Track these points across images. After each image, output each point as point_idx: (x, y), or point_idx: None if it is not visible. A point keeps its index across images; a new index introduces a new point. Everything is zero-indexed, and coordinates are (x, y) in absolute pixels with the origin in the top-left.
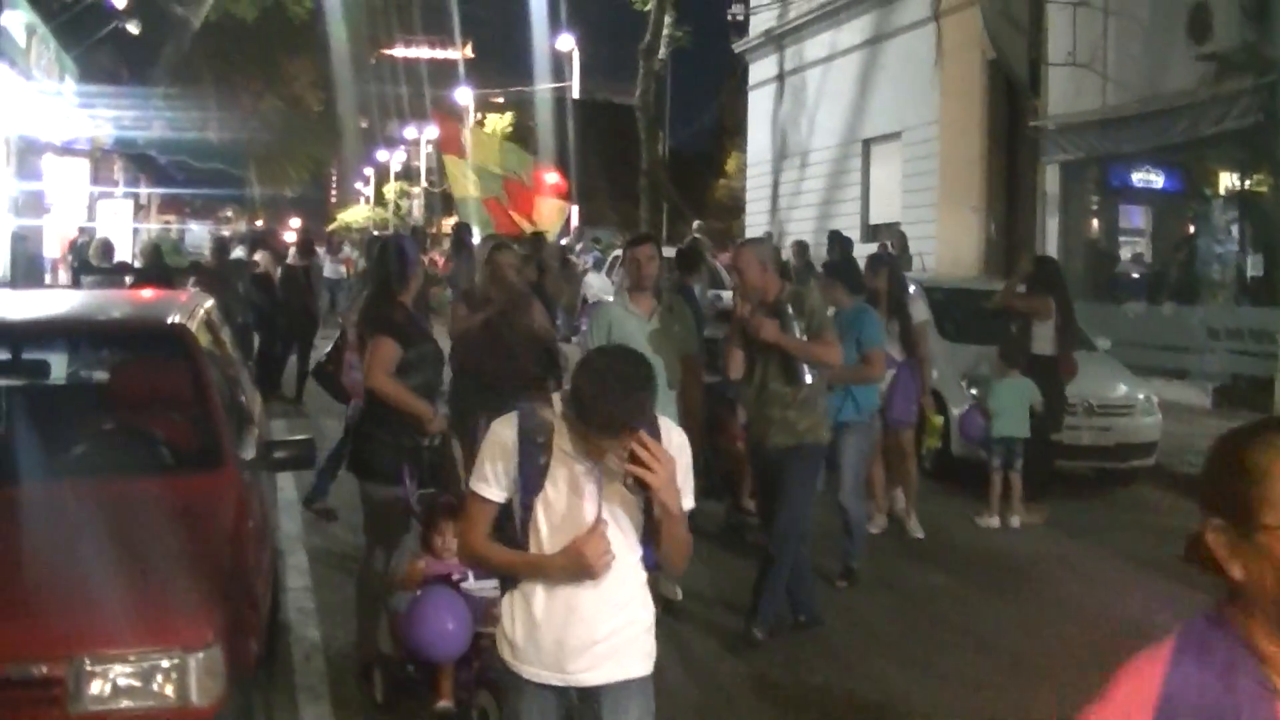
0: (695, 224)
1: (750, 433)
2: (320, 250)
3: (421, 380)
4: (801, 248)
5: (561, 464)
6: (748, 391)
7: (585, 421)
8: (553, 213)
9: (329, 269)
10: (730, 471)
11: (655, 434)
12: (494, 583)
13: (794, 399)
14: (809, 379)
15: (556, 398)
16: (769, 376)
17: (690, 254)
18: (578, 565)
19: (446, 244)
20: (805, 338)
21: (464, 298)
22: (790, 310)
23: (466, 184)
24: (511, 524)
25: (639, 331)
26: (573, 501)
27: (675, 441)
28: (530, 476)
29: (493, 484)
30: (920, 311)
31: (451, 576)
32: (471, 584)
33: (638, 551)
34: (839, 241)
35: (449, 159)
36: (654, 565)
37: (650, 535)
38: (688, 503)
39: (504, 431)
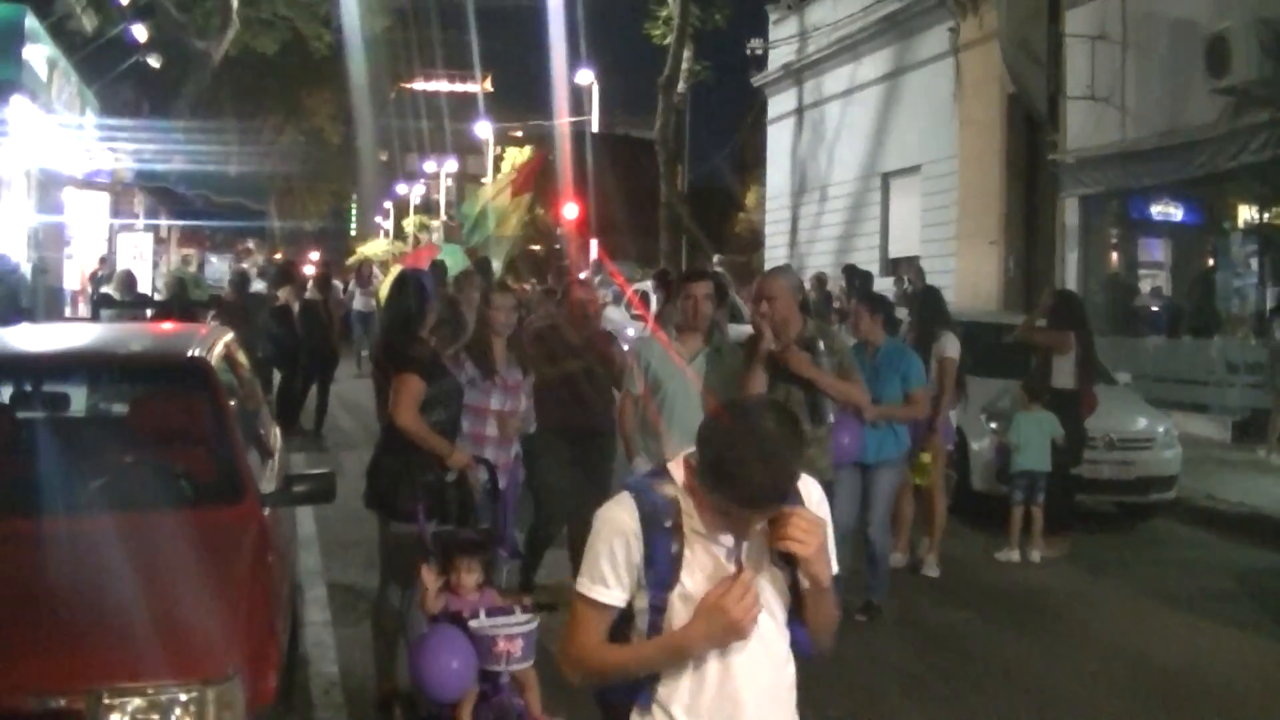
0: (716, 258)
1: None
2: (348, 283)
3: (443, 416)
4: (820, 280)
5: (697, 549)
6: None
7: (729, 495)
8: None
9: (359, 301)
10: None
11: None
12: (504, 620)
13: (816, 438)
14: (831, 418)
15: (675, 466)
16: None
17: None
18: (723, 626)
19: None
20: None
21: (537, 341)
22: (821, 346)
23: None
24: (626, 630)
25: (680, 373)
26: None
27: (815, 498)
28: (661, 570)
29: (613, 584)
30: (949, 349)
31: (462, 615)
32: (482, 622)
33: (788, 636)
34: (858, 275)
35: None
36: (808, 651)
37: (796, 613)
38: (833, 569)
39: (622, 518)
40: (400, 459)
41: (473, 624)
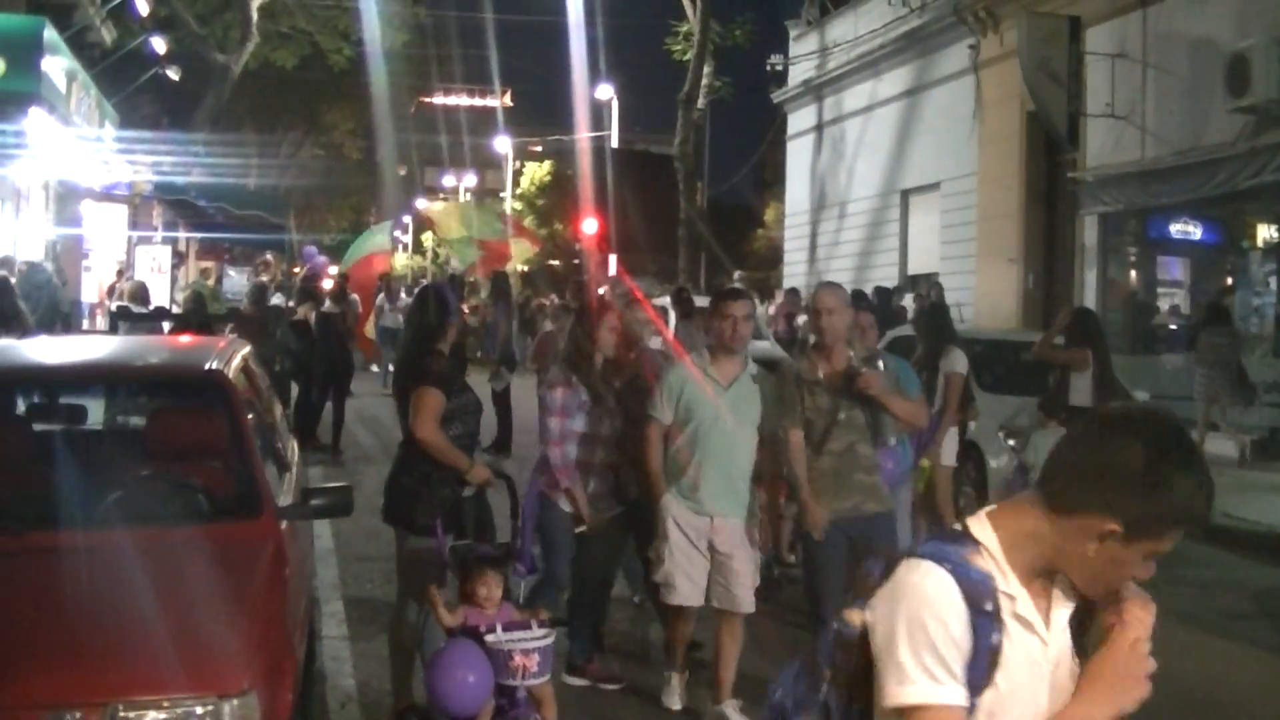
0: (736, 274)
1: (819, 499)
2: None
3: (461, 430)
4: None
5: (1015, 639)
6: (822, 455)
7: (1159, 510)
8: (522, 251)
9: (388, 318)
10: (768, 523)
11: None
12: (520, 635)
13: (880, 463)
14: (893, 441)
15: (981, 528)
16: (854, 439)
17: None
18: (1134, 698)
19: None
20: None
21: (569, 366)
22: (880, 365)
23: (456, 226)
24: None
25: (713, 401)
26: (1032, 691)
27: None
28: (979, 667)
29: (946, 679)
30: (957, 364)
31: (479, 629)
32: (498, 636)
33: None
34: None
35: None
36: None
37: None
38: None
39: (947, 599)
40: (418, 473)
41: (489, 638)
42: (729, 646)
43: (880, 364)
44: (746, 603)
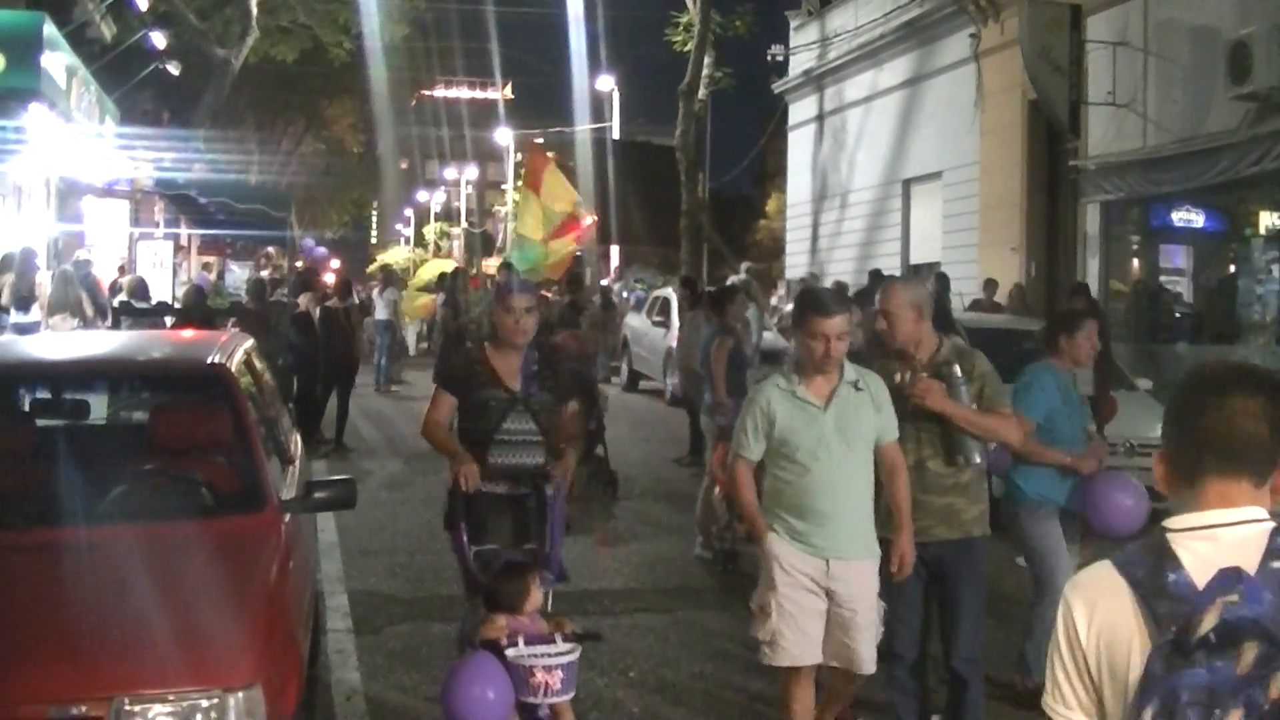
0: (745, 265)
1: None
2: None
3: (470, 425)
4: (840, 288)
5: None
6: None
7: None
8: (565, 257)
9: (380, 311)
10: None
11: None
12: (543, 649)
13: (957, 482)
14: (978, 459)
15: (1179, 526)
16: (925, 454)
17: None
18: None
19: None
20: (974, 407)
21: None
22: (958, 372)
23: (535, 224)
24: None
25: (812, 427)
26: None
27: None
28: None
29: (1072, 705)
30: None
31: (499, 642)
32: (520, 651)
33: None
34: (876, 280)
35: (526, 194)
36: None
37: None
38: None
39: (1114, 601)
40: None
41: (510, 653)
42: (838, 696)
43: (957, 369)
44: (868, 662)
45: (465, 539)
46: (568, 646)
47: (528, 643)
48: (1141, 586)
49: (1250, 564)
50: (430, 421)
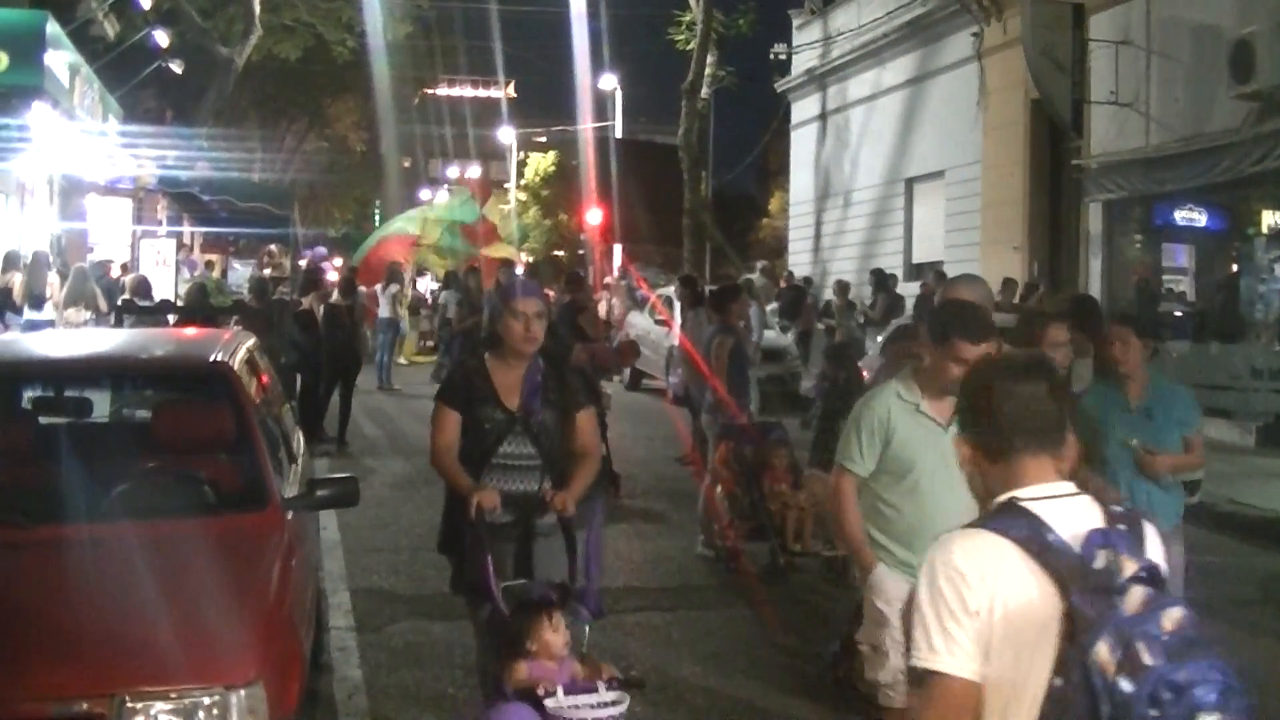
0: (760, 264)
1: None
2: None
3: (466, 444)
4: (843, 287)
5: None
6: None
7: None
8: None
9: (385, 308)
10: (775, 513)
11: None
12: (586, 700)
13: None
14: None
15: None
16: None
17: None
18: None
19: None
20: None
21: None
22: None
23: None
24: None
25: (934, 446)
26: None
27: None
28: None
29: (962, 656)
30: None
31: (535, 691)
32: (559, 701)
33: None
34: (882, 279)
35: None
36: None
37: None
38: None
39: (1004, 561)
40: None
41: (549, 704)
42: None
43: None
44: None
45: (491, 572)
46: (612, 696)
47: (567, 692)
48: (1029, 546)
49: (1099, 526)
50: (437, 448)
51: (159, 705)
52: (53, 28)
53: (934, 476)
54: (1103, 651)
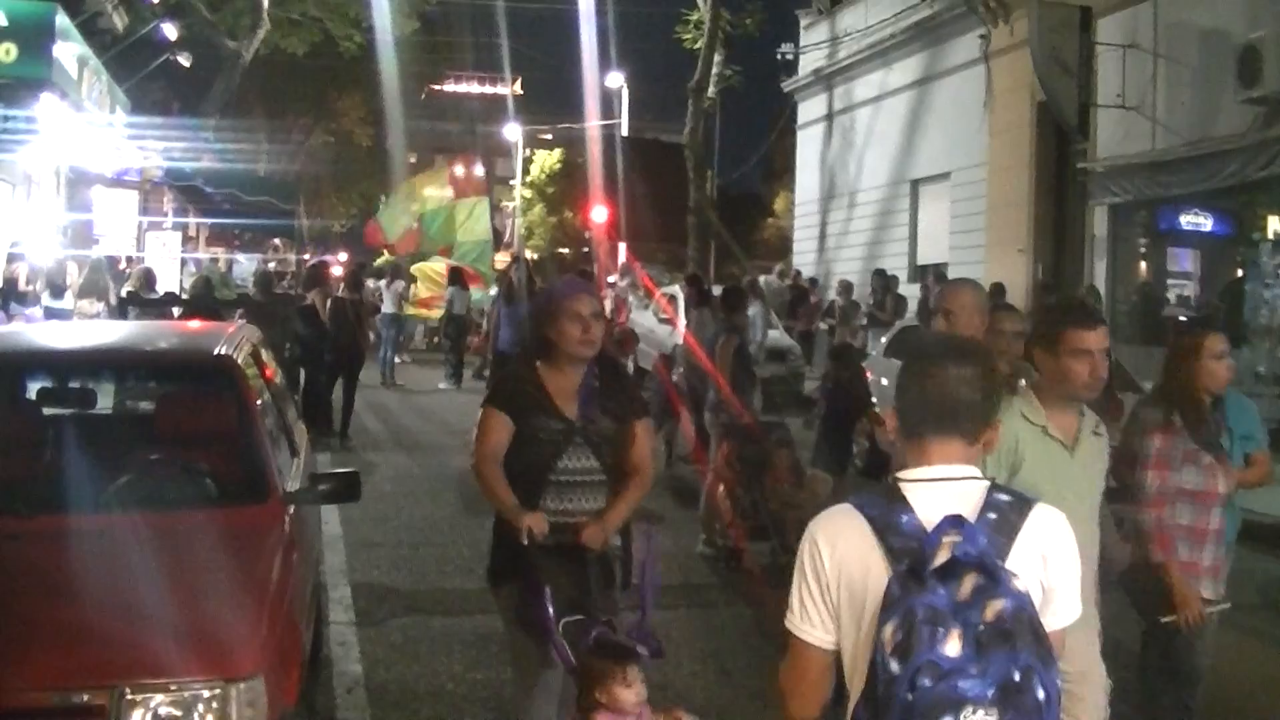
0: (777, 267)
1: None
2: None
3: (513, 461)
4: (846, 288)
5: None
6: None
7: None
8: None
9: (388, 303)
10: (776, 512)
11: None
12: None
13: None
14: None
15: None
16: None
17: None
18: None
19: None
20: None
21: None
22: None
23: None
24: None
25: (1060, 474)
26: None
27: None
28: None
29: (815, 624)
30: None
31: None
32: None
33: None
34: (884, 280)
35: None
36: None
37: None
38: None
39: (853, 536)
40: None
41: None
42: None
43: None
44: None
45: (550, 608)
46: None
47: None
48: (877, 524)
49: (969, 513)
50: (481, 455)
51: (159, 697)
52: (62, 19)
53: (1057, 502)
54: (887, 631)
